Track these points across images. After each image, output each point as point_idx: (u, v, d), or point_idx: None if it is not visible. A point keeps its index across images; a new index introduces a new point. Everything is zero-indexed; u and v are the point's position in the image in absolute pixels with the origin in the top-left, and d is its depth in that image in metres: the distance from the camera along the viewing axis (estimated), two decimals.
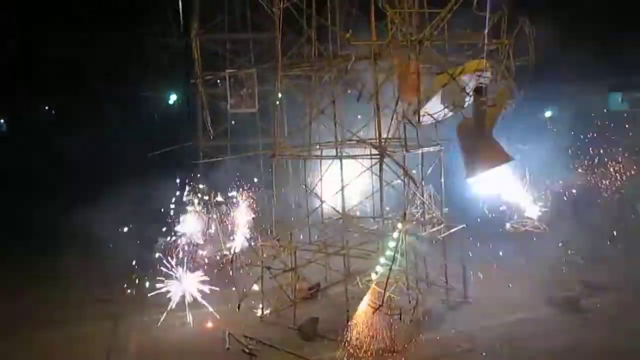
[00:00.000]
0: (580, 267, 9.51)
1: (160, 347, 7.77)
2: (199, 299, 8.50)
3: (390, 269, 6.98)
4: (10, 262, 12.01)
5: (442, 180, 8.93)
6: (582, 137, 13.12)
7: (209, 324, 8.41)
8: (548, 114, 29.89)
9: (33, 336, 8.27)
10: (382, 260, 7.21)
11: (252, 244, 8.11)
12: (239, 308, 7.81)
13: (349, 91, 9.52)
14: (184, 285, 8.46)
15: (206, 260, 9.69)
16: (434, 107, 7.78)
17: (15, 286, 10.55)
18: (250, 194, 11.65)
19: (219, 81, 13.00)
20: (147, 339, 8.04)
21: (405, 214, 7.65)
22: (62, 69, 18.80)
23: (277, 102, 9.03)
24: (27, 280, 10.99)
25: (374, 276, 7.17)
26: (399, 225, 7.38)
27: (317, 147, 9.07)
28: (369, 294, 7.17)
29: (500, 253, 10.01)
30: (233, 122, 11.92)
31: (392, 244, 7.19)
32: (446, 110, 7.85)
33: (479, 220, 9.65)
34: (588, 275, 9.28)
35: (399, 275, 7.28)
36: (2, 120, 27.47)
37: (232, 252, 7.92)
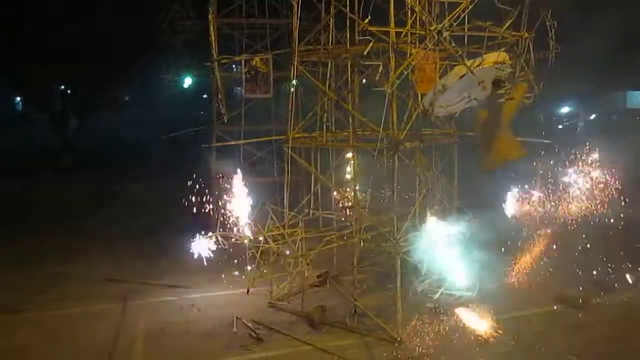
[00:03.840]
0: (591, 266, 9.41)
1: (167, 329, 7.83)
2: None
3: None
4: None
5: (456, 172, 8.90)
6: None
7: (218, 308, 8.49)
8: (565, 109, 29.56)
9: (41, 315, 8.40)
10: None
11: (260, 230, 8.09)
12: (248, 292, 7.86)
13: (363, 80, 9.49)
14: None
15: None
16: (451, 99, 7.70)
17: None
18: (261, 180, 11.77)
19: (233, 66, 13.00)
20: (154, 320, 8.12)
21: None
22: (74, 52, 18.86)
23: (292, 89, 8.98)
24: None
25: None
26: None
27: (330, 135, 9.04)
28: None
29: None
30: (247, 107, 11.90)
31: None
32: (463, 102, 7.76)
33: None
34: (600, 275, 9.19)
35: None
36: (18, 99, 27.80)
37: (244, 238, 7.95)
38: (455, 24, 6.86)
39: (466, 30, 7.07)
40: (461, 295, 8.24)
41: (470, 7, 7.06)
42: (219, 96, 10.50)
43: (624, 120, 29.33)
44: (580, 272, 9.13)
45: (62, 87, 23.66)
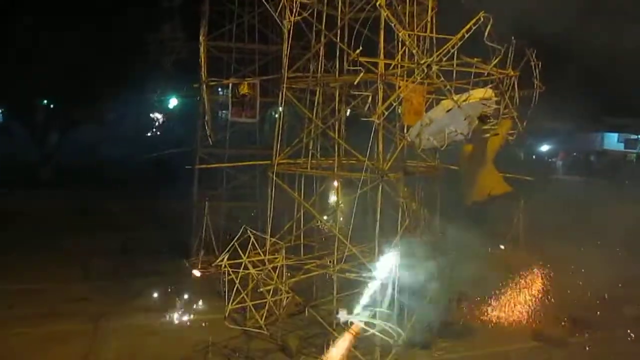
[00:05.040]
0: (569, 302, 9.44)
1: (139, 354, 7.60)
2: None
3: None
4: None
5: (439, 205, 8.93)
6: None
7: (193, 333, 8.30)
8: (545, 148, 30.20)
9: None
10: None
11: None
12: (225, 318, 7.72)
13: (347, 110, 9.55)
14: None
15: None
16: (437, 132, 7.78)
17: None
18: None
19: (219, 89, 13.02)
20: (126, 344, 7.91)
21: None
22: (62, 68, 18.76)
23: (278, 115, 8.99)
24: None
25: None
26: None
27: (315, 163, 9.04)
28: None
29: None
30: (232, 131, 11.88)
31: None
32: (449, 135, 7.85)
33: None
34: (577, 310, 9.22)
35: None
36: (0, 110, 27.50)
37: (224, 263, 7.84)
38: (444, 58, 6.97)
39: (455, 65, 7.17)
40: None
41: (460, 43, 7.18)
42: (206, 118, 10.46)
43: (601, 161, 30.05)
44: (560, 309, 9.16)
45: (45, 101, 23.43)
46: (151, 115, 25.87)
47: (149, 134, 30.97)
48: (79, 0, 17.65)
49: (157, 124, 28.68)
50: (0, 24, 17.90)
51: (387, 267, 7.22)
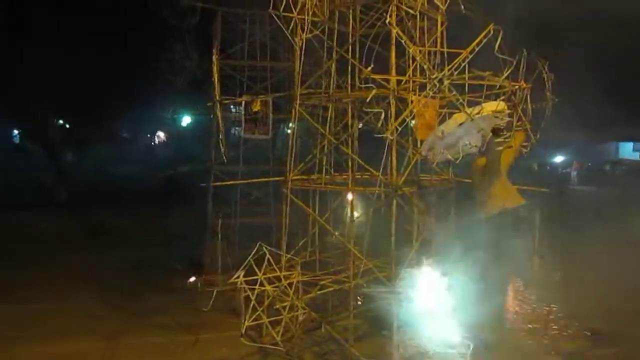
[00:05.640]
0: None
1: None
2: None
3: None
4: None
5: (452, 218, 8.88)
6: None
7: (208, 351, 8.27)
8: (559, 159, 30.02)
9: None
10: None
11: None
12: (241, 336, 7.71)
13: (360, 125, 9.58)
14: None
15: None
16: (449, 146, 7.78)
17: None
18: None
19: (232, 107, 13.12)
20: None
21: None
22: (76, 88, 19.06)
23: (291, 131, 9.05)
24: None
25: None
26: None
27: (329, 178, 9.06)
28: None
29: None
30: (245, 148, 11.96)
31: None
32: (463, 148, 7.84)
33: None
34: (595, 324, 9.08)
35: None
36: (16, 132, 27.95)
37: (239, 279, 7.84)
38: (455, 72, 6.98)
39: (466, 78, 7.19)
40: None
41: (470, 56, 7.20)
42: (220, 136, 10.55)
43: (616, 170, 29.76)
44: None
45: (60, 121, 23.77)
46: (150, 134, 26.13)
47: (160, 151, 31.25)
48: (92, 21, 17.97)
49: (157, 141, 28.92)
50: (15, 44, 18.23)
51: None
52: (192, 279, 11.27)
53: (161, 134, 27.96)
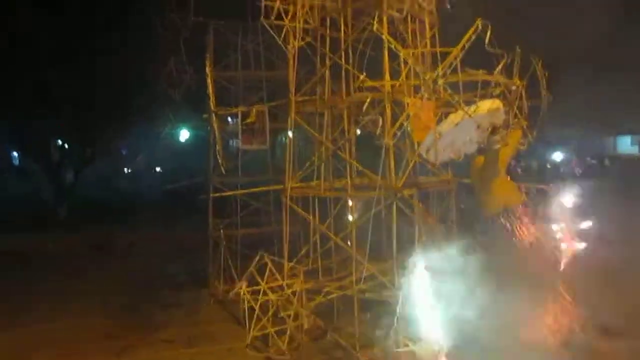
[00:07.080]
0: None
1: None
2: None
3: None
4: None
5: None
6: None
7: None
8: (557, 155, 29.97)
9: None
10: None
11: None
12: (247, 346, 7.68)
13: (358, 131, 9.58)
14: None
15: None
16: (447, 146, 7.77)
17: None
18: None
19: (229, 118, 13.12)
20: None
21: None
22: (74, 106, 19.09)
23: (288, 140, 9.05)
24: None
25: None
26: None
27: (328, 184, 9.04)
28: None
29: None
30: (243, 159, 11.95)
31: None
32: (459, 148, 7.83)
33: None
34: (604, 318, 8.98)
35: None
36: (16, 153, 28.03)
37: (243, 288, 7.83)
38: (449, 71, 6.99)
39: (460, 77, 7.19)
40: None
41: (461, 54, 7.20)
42: (217, 147, 10.55)
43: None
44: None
45: (59, 141, 23.81)
46: (149, 150, 26.06)
47: (162, 167, 31.22)
48: (90, 39, 18.03)
49: (156, 156, 28.79)
50: (12, 65, 18.26)
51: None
52: (204, 291, 11.22)
53: (160, 149, 27.95)
